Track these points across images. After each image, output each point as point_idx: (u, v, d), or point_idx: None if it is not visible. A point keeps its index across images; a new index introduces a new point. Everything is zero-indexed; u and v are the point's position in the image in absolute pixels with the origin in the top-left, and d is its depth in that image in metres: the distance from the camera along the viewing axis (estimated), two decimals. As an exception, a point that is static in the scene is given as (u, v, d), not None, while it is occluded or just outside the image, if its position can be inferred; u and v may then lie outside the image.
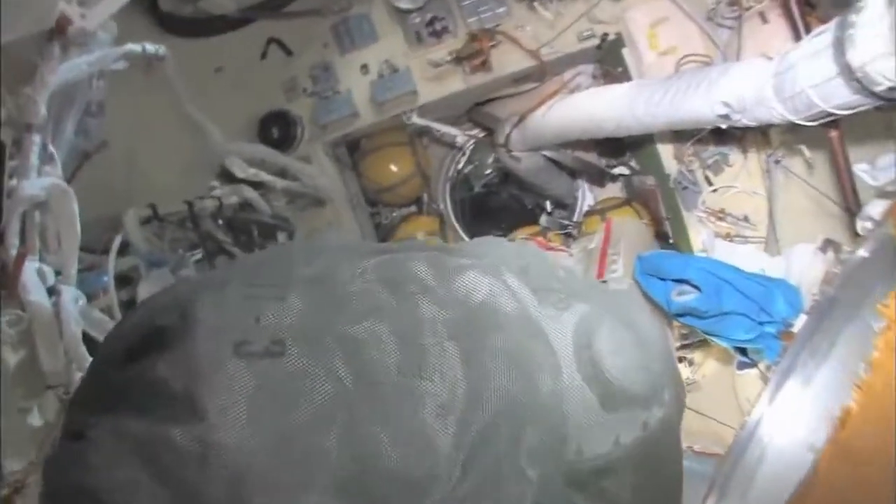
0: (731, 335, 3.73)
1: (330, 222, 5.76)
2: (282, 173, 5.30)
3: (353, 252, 1.62)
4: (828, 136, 3.55)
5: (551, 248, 4.76)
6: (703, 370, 5.47)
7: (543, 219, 7.06)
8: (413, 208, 6.74)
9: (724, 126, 3.77)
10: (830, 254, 3.62)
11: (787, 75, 3.14)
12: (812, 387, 2.54)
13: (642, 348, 1.65)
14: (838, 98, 2.86)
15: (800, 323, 3.30)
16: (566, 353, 1.58)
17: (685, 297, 3.51)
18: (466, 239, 7.08)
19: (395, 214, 6.62)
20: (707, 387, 5.42)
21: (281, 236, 5.09)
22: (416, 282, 1.53)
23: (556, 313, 1.61)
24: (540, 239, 5.43)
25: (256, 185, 5.16)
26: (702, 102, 3.72)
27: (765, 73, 3.31)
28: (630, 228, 4.86)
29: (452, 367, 1.44)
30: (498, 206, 7.54)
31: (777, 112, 3.32)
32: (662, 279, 3.72)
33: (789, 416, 2.53)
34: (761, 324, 3.59)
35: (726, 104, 3.57)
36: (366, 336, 1.43)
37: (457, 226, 7.14)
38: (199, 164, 5.16)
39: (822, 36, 2.88)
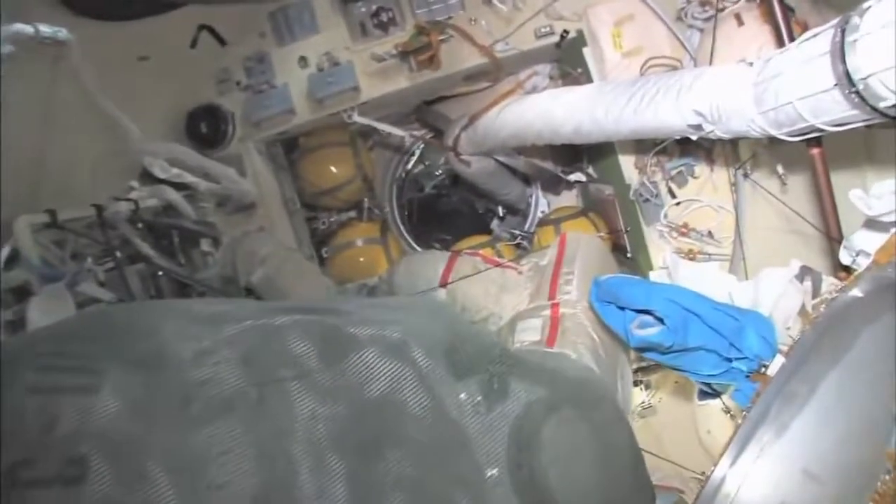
0: (696, 370, 3.36)
1: (262, 227, 5.27)
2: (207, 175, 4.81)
3: (205, 316, 1.15)
4: (809, 152, 3.17)
5: (499, 264, 4.34)
6: (660, 393, 5.13)
7: (495, 224, 6.83)
8: (353, 213, 6.29)
9: (694, 137, 3.38)
10: (808, 284, 3.26)
11: (770, 84, 2.75)
12: (786, 438, 2.31)
13: (602, 459, 1.23)
14: (831, 113, 2.48)
15: (775, 364, 2.92)
16: (495, 455, 1.15)
17: (647, 331, 3.11)
18: (412, 245, 6.68)
19: (333, 220, 6.18)
20: (664, 412, 5.09)
21: (204, 243, 4.61)
22: (291, 362, 1.08)
23: (488, 406, 1.18)
24: (486, 252, 5.02)
25: (180, 186, 4.66)
26: (671, 110, 3.33)
27: (744, 81, 2.92)
28: (587, 245, 4.47)
29: (334, 495, 0.97)
30: (447, 209, 7.30)
31: (756, 125, 2.94)
32: (622, 308, 3.32)
33: (759, 471, 2.30)
34: (729, 360, 3.23)
35: (699, 113, 3.18)
36: (209, 449, 0.97)
37: (402, 229, 6.85)
38: (116, 163, 4.63)
39: (816, 40, 2.49)
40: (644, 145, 4.58)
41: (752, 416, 2.53)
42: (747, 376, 3.18)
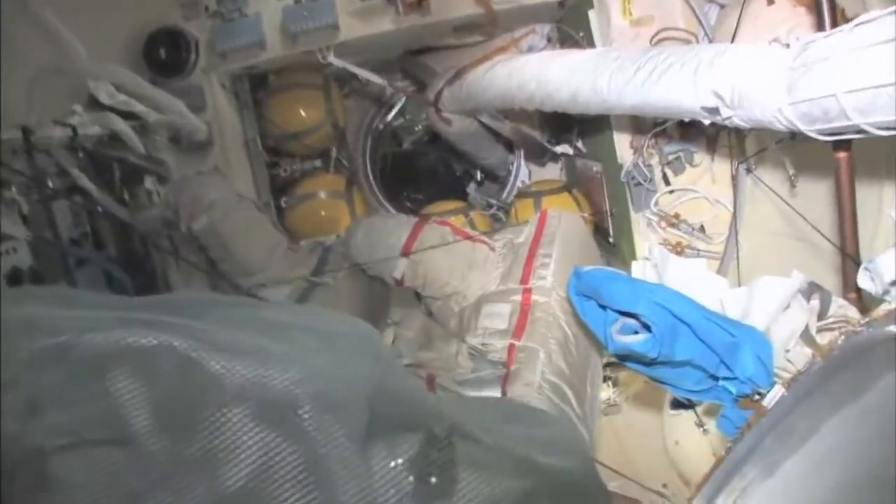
0: (678, 384, 3.00)
1: (217, 168, 4.80)
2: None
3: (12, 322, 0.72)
4: (835, 156, 2.77)
5: (470, 237, 3.93)
6: (628, 391, 4.78)
7: (471, 188, 6.52)
8: (318, 163, 5.89)
9: (706, 121, 2.97)
10: (815, 303, 2.89)
11: (809, 71, 2.33)
12: (774, 479, 2.02)
13: None
14: (885, 112, 2.07)
15: (772, 395, 2.55)
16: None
17: (630, 338, 2.73)
18: (381, 201, 6.27)
19: (296, 168, 5.75)
20: (630, 413, 4.76)
21: (149, 181, 4.13)
22: (108, 416, 0.66)
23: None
24: (457, 222, 4.60)
25: (129, 116, 4.17)
26: (685, 88, 2.92)
27: (777, 64, 2.51)
28: (568, 226, 4.09)
29: None
30: (423, 168, 7.06)
31: (783, 116, 2.53)
32: (602, 306, 2.93)
33: (741, 512, 1.88)
34: (716, 378, 2.86)
35: (718, 95, 2.76)
36: None
37: (372, 184, 6.51)
38: (59, 84, 4.11)
39: (876, 25, 2.08)
40: (642, 124, 4.16)
41: (740, 449, 2.23)
42: (735, 400, 2.83)
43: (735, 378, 2.80)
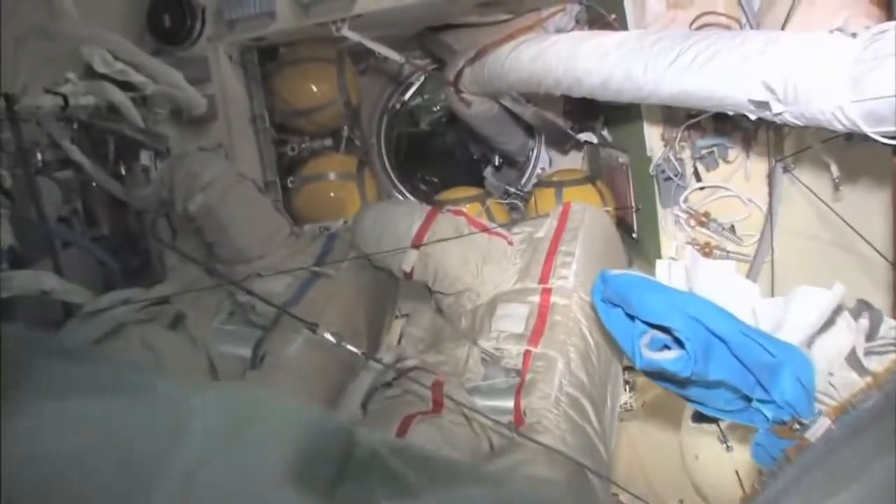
0: (707, 403, 2.75)
1: (220, 145, 4.54)
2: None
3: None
4: (894, 160, 2.49)
5: (487, 229, 3.66)
6: (645, 396, 4.53)
7: (488, 172, 6.26)
8: (329, 142, 5.60)
9: (751, 116, 2.69)
10: (864, 322, 2.62)
11: (882, 66, 2.06)
12: None
13: None
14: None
15: (817, 427, 2.29)
16: None
17: (662, 356, 2.47)
18: (395, 182, 6.15)
19: (305, 146, 5.46)
20: (646, 419, 4.52)
21: (145, 156, 3.88)
22: None
23: None
24: (471, 210, 4.31)
25: (128, 86, 3.91)
26: (731, 78, 2.65)
27: (841, 56, 2.23)
28: (593, 221, 3.81)
29: None
30: (439, 150, 6.87)
31: (844, 114, 2.26)
32: (630, 315, 2.66)
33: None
34: (749, 398, 2.60)
35: (769, 88, 2.49)
36: None
37: (386, 164, 6.27)
38: (53, 50, 3.85)
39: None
40: (675, 114, 3.88)
41: (777, 485, 1.98)
42: (771, 425, 2.57)
43: (772, 401, 2.55)
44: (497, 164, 6.29)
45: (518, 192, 5.57)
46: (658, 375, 2.59)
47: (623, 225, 4.70)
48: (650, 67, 3.00)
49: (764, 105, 2.56)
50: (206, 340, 2.94)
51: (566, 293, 3.25)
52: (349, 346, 2.49)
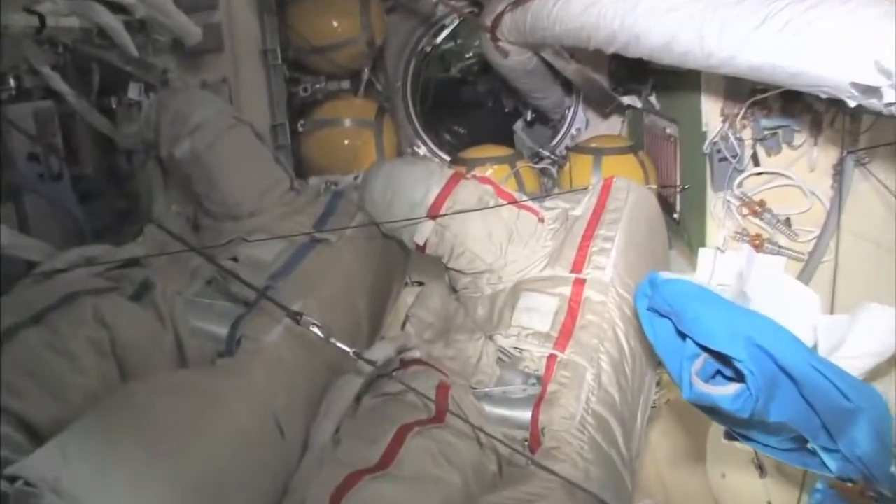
0: (758, 440, 2.31)
1: (225, 80, 4.08)
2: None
3: None
4: None
5: (516, 202, 3.19)
6: (670, 394, 4.10)
7: (518, 126, 5.80)
8: (346, 84, 5.15)
9: (852, 103, 2.19)
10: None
11: None
12: None
13: None
14: None
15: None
16: None
17: (718, 390, 2.02)
18: (418, 131, 5.82)
19: (319, 87, 5.03)
20: (669, 421, 4.07)
21: (133, 89, 3.41)
22: None
23: None
24: (498, 172, 3.76)
25: (118, 9, 3.43)
26: (833, 55, 2.15)
27: None
28: (638, 201, 3.38)
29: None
30: (469, 99, 6.54)
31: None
32: (681, 332, 2.21)
33: None
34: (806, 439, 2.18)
35: (883, 70, 1.98)
36: None
37: (411, 110, 5.89)
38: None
39: None
40: (740, 87, 3.38)
41: None
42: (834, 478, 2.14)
43: (837, 450, 2.11)
44: (529, 119, 5.86)
45: (553, 157, 5.07)
46: (708, 409, 2.14)
47: (663, 203, 4.22)
48: (728, 31, 2.49)
49: (873, 91, 2.07)
50: (176, 314, 2.50)
51: (602, 287, 2.79)
52: (338, 344, 2.04)
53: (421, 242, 3.08)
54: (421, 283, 3.82)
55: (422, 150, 5.86)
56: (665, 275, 2.35)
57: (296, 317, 2.08)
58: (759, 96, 3.32)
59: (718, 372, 2.15)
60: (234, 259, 2.88)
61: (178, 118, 3.12)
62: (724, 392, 2.00)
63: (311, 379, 2.55)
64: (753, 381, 1.96)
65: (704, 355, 2.12)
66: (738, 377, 2.04)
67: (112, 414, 1.90)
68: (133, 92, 3.42)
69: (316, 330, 2.05)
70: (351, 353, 2.09)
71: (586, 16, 3.31)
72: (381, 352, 2.55)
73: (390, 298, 3.54)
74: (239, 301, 2.65)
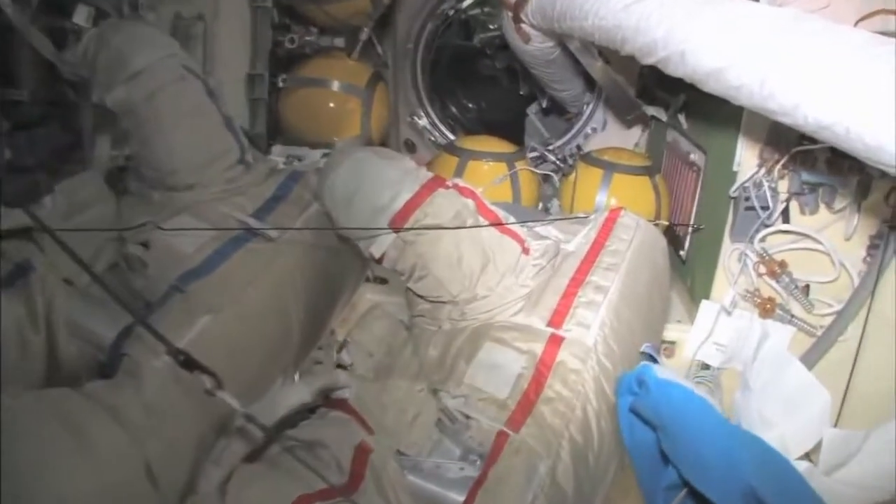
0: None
1: (201, 17, 3.55)
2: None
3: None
4: None
5: (501, 225, 2.69)
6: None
7: (532, 109, 5.40)
8: (340, 41, 4.63)
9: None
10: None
11: None
12: None
13: None
14: None
15: None
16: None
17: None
18: (421, 99, 5.40)
19: (310, 39, 4.52)
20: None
21: (81, 13, 2.88)
22: None
23: None
24: (473, 190, 3.19)
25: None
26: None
27: None
28: (643, 244, 2.91)
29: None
30: (484, 74, 6.04)
31: None
32: (664, 453, 1.74)
33: None
34: None
35: None
36: None
37: (418, 75, 5.42)
38: None
39: None
40: (786, 133, 2.89)
41: None
42: None
43: None
44: (545, 106, 5.41)
45: (556, 161, 4.57)
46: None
47: (671, 237, 3.75)
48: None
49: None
50: (55, 309, 2.00)
51: (582, 352, 2.29)
52: (228, 399, 1.55)
53: (377, 255, 2.57)
54: (384, 281, 3.33)
55: (422, 121, 5.38)
56: (660, 373, 1.87)
57: (177, 355, 1.59)
58: (807, 147, 2.83)
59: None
60: (145, 245, 2.37)
61: (116, 60, 2.62)
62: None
63: (205, 416, 2.05)
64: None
65: (686, 493, 1.66)
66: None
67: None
68: (79, 17, 2.89)
69: (206, 381, 1.56)
70: (240, 412, 1.61)
71: (626, 14, 2.74)
72: (295, 396, 2.07)
73: (337, 306, 2.98)
74: (141, 299, 2.16)
